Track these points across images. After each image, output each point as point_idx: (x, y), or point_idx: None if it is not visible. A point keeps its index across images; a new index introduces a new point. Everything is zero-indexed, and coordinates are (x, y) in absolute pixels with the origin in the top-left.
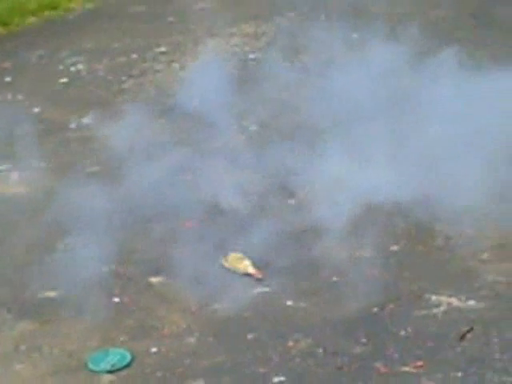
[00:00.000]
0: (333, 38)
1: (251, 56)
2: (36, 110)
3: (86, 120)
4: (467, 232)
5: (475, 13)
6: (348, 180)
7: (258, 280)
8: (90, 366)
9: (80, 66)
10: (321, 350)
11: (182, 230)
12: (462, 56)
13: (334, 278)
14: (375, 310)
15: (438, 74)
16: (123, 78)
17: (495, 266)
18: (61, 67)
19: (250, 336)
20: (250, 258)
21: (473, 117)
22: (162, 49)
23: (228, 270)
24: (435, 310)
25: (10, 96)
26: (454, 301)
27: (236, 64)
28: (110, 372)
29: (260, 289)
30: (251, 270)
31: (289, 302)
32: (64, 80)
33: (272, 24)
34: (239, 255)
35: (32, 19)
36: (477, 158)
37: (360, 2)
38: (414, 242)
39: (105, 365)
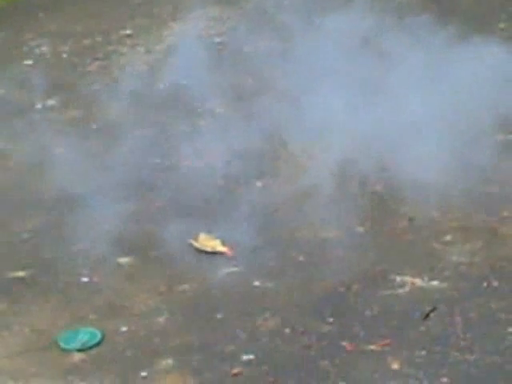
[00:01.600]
0: (297, 20)
1: (216, 40)
2: (1, 91)
3: (51, 102)
4: (431, 213)
5: None
6: (313, 162)
7: (228, 258)
8: (61, 344)
9: (44, 48)
10: (288, 329)
11: (151, 210)
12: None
13: (301, 259)
14: (341, 289)
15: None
16: (88, 61)
17: (458, 248)
18: (25, 49)
19: (218, 315)
20: (219, 238)
21: (440, 93)
22: (127, 31)
23: (197, 249)
24: (400, 290)
25: None
26: (418, 281)
27: (201, 48)
28: (80, 350)
29: (228, 269)
30: (221, 248)
31: (256, 282)
32: (29, 62)
33: (237, 7)
34: (208, 235)
35: None
36: (443, 138)
37: None
38: (379, 224)
39: (75, 343)
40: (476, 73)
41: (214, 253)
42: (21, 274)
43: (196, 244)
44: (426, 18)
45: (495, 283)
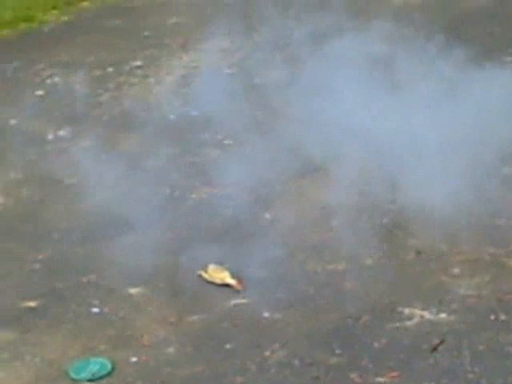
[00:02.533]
0: (308, 50)
1: (226, 71)
2: (12, 121)
3: (62, 132)
4: (439, 246)
5: None
6: (322, 193)
7: (237, 291)
8: (71, 374)
9: (56, 79)
10: (297, 361)
11: (160, 241)
12: None
13: (310, 291)
14: (350, 321)
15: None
16: (99, 92)
17: (466, 281)
18: (37, 79)
19: (227, 346)
20: (228, 269)
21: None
22: (138, 63)
23: (206, 281)
24: (408, 323)
25: None
26: (426, 314)
27: (211, 79)
28: (90, 381)
29: (237, 300)
30: (230, 280)
31: (266, 314)
32: (40, 92)
33: (247, 39)
34: (218, 267)
35: (6, 31)
36: (451, 169)
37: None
38: (387, 256)
39: (86, 374)
40: (487, 102)
41: (224, 285)
42: (32, 304)
43: (205, 275)
44: (437, 45)
45: (503, 316)
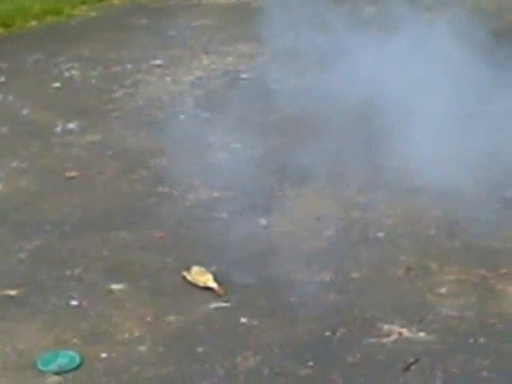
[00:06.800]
0: (329, 64)
1: (243, 76)
2: (25, 111)
3: (71, 125)
4: (429, 265)
5: None
6: (320, 204)
7: (219, 295)
8: (39, 366)
9: (74, 72)
10: (267, 370)
11: (149, 239)
12: None
13: (292, 300)
14: (327, 334)
15: None
16: (115, 88)
17: (451, 301)
18: (55, 72)
19: (199, 349)
20: (212, 272)
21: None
22: (158, 61)
23: (190, 283)
24: (385, 339)
25: (1, 96)
26: (405, 331)
27: (227, 82)
28: (57, 373)
29: (218, 304)
30: (212, 284)
31: (243, 320)
32: (57, 84)
33: (269, 45)
34: (202, 269)
35: (34, 23)
36: (448, 190)
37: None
38: (376, 271)
39: (53, 366)
40: None
41: (206, 288)
42: (12, 292)
43: (189, 277)
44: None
45: (482, 340)
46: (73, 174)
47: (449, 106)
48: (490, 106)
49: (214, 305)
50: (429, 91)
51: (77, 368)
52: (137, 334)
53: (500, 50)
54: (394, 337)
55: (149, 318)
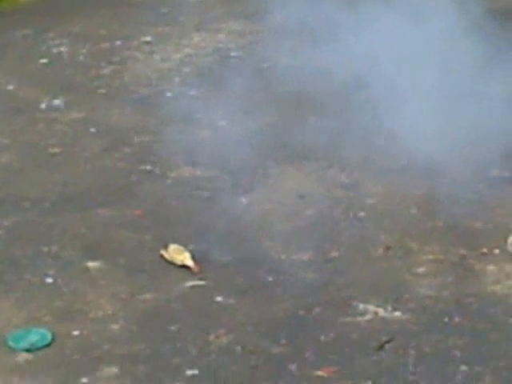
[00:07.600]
0: (320, 38)
1: (233, 54)
2: (10, 87)
3: (56, 102)
4: (409, 244)
5: None
6: (303, 183)
7: (194, 274)
8: (10, 343)
9: (62, 49)
10: (239, 348)
11: (128, 217)
12: None
13: (269, 278)
14: (301, 312)
15: None
16: (102, 64)
17: (428, 280)
18: (43, 48)
19: (172, 327)
20: (189, 250)
21: None
22: (148, 38)
23: (167, 261)
24: (359, 318)
25: None
26: (381, 311)
27: (217, 60)
28: (28, 351)
29: (194, 282)
30: (189, 262)
31: (219, 298)
32: (44, 61)
33: (260, 23)
34: (180, 247)
35: None
36: (433, 170)
37: None
38: (355, 250)
39: (24, 343)
40: None
41: (183, 266)
42: None
43: (166, 255)
44: None
45: (457, 319)
46: (55, 150)
47: (439, 85)
48: (481, 86)
49: (190, 283)
50: (420, 70)
51: (48, 345)
52: (110, 312)
53: (500, 32)
54: (369, 316)
55: (123, 296)
